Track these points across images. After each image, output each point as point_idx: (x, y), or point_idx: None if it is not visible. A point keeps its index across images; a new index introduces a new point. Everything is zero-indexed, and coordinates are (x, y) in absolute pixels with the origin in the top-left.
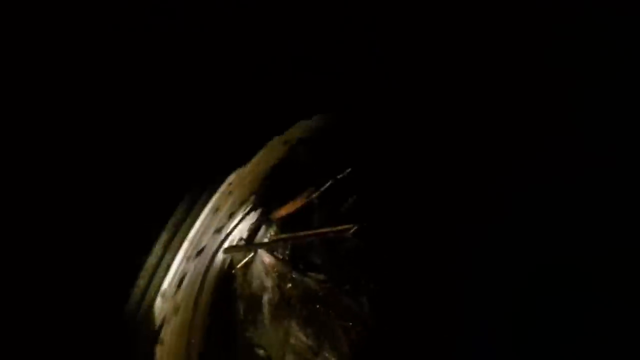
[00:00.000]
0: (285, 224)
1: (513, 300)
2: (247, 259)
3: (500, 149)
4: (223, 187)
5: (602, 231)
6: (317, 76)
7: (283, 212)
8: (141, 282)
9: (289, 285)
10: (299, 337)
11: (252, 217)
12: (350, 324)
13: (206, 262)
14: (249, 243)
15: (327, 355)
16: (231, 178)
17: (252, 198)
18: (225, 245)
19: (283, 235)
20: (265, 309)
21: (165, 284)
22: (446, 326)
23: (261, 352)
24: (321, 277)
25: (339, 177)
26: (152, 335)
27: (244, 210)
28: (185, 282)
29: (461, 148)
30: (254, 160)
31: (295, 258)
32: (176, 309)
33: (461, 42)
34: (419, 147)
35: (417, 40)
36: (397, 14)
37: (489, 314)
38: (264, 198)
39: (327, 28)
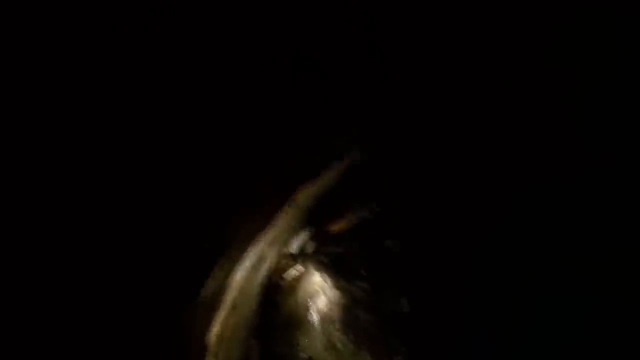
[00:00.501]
0: (335, 239)
1: (513, 300)
2: (296, 269)
3: (500, 149)
4: (284, 207)
5: (602, 231)
6: (370, 115)
7: (334, 228)
8: (215, 282)
9: (336, 292)
10: (341, 340)
11: (305, 232)
12: (388, 327)
13: (263, 270)
14: (302, 253)
15: (365, 356)
16: (291, 199)
17: (306, 216)
18: (280, 255)
19: (332, 248)
20: (311, 314)
21: (233, 286)
22: (446, 326)
23: (304, 355)
24: (365, 285)
25: (384, 200)
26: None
27: (299, 226)
28: (244, 285)
29: (462, 149)
30: (313, 185)
31: (342, 268)
32: (234, 307)
33: (462, 42)
34: (425, 146)
35: (417, 41)
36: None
37: (489, 314)
38: (317, 216)
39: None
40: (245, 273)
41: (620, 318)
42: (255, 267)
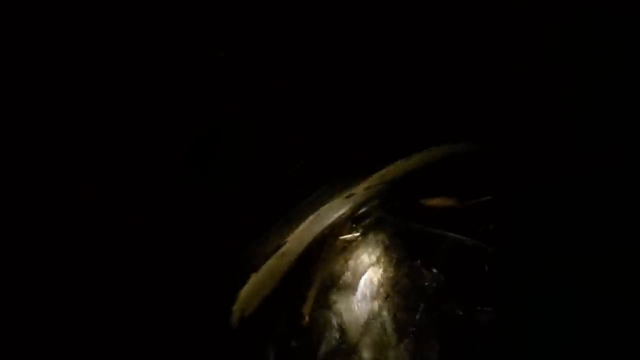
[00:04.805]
0: (422, 216)
1: (512, 300)
2: (354, 235)
3: (500, 149)
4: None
5: (602, 231)
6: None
7: (430, 203)
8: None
9: (400, 272)
10: (385, 325)
11: (378, 199)
12: (449, 334)
13: (321, 226)
14: (375, 219)
15: (404, 353)
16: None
17: (391, 187)
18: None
19: (415, 225)
20: (361, 284)
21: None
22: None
23: (335, 319)
24: (442, 278)
25: (490, 197)
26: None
27: (376, 193)
28: (300, 236)
29: (462, 147)
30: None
31: (419, 249)
32: (283, 254)
33: (461, 42)
34: None
35: (416, 38)
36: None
37: (488, 314)
38: (406, 189)
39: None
40: (304, 226)
41: (620, 318)
42: (316, 222)
